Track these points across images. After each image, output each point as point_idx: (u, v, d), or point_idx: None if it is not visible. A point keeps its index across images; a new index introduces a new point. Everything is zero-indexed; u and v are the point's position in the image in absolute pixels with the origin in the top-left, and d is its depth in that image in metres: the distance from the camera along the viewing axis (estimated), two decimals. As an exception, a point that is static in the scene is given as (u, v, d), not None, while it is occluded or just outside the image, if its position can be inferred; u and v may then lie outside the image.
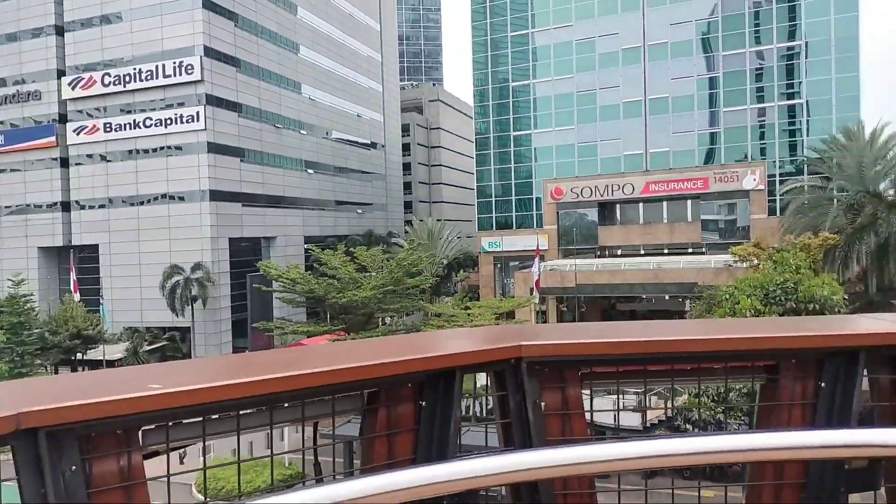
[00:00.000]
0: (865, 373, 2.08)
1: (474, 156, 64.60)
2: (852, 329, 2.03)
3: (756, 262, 30.82)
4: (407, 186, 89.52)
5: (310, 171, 67.23)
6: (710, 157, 55.64)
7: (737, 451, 1.78)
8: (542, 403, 2.03)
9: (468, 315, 33.67)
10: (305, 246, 55.09)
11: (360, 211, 75.53)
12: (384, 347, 2.15)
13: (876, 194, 34.42)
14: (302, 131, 66.33)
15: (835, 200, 37.37)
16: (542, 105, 60.66)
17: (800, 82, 53.16)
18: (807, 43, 52.51)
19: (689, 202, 50.09)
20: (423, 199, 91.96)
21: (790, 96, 53.62)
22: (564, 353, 2.00)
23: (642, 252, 49.91)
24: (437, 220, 67.81)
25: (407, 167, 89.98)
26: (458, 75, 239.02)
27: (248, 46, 58.93)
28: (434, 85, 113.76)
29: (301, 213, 65.08)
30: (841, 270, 31.20)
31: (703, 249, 47.69)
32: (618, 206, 53.22)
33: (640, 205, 52.30)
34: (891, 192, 34.84)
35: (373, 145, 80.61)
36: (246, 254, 55.71)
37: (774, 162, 52.36)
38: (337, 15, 73.66)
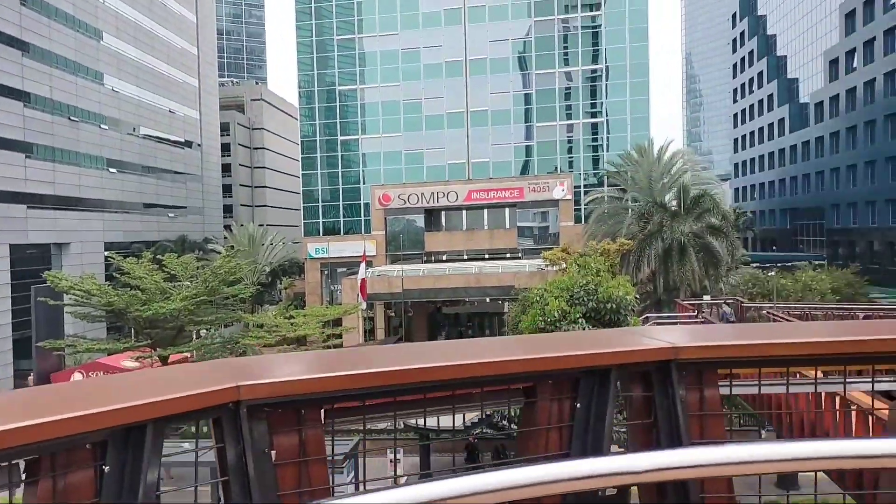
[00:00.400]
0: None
1: (300, 159, 62.88)
2: (603, 347, 1.97)
3: (564, 265, 33.29)
4: (227, 189, 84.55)
5: (112, 170, 60.82)
6: (525, 168, 59.47)
7: (486, 493, 1.60)
8: (273, 452, 1.70)
9: (292, 324, 32.42)
10: (106, 253, 49.58)
11: (172, 214, 69.85)
12: (56, 398, 1.68)
13: (662, 205, 38.90)
14: (103, 126, 59.86)
15: (629, 210, 41.72)
16: (370, 111, 60.73)
17: (601, 102, 58.77)
18: (607, 67, 58.23)
19: (506, 210, 52.98)
20: (244, 203, 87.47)
21: (593, 115, 59.07)
22: (297, 391, 1.69)
23: (466, 257, 51.79)
24: (260, 225, 64.86)
25: (227, 168, 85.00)
26: (284, 75, 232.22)
27: (37, 29, 51.89)
28: (257, 83, 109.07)
29: (101, 217, 58.60)
30: (634, 272, 34.74)
31: (520, 254, 50.68)
32: (443, 212, 54.78)
33: (464, 212, 54.31)
34: (674, 203, 39.57)
35: (188, 144, 75.10)
36: (32, 262, 48.82)
37: (580, 174, 57.30)
38: (146, 2, 67.69)
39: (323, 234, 57.83)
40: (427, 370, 1.81)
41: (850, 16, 56.14)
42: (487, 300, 45.64)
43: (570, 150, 59.47)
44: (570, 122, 59.11)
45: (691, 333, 2.33)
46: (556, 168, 58.17)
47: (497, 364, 1.89)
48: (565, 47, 59.05)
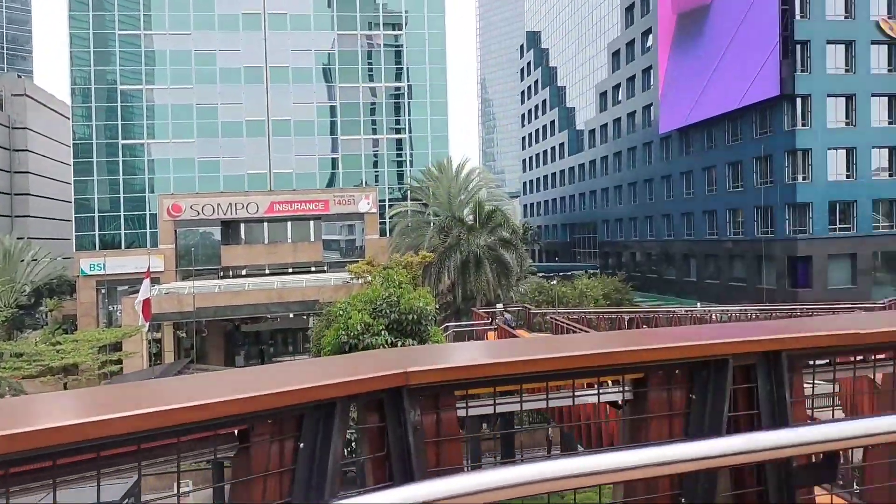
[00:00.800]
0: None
1: (72, 164, 55.71)
2: (329, 378, 1.77)
3: (369, 278, 33.35)
4: (-23, 196, 72.18)
5: None
6: (331, 181, 58.86)
7: None
8: None
9: (58, 352, 28.37)
10: None
11: None
12: None
13: (460, 219, 40.88)
14: None
15: (431, 224, 43.19)
16: (158, 114, 55.86)
17: (405, 119, 60.34)
18: (409, 86, 59.99)
19: (311, 223, 51.91)
20: (1, 213, 75.25)
21: (398, 131, 60.41)
22: None
23: (267, 272, 49.71)
24: (19, 238, 56.15)
25: (-22, 173, 72.61)
26: (54, 69, 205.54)
27: None
28: (20, 77, 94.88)
29: None
30: (435, 283, 35.99)
31: (325, 268, 49.90)
32: (242, 225, 52.07)
33: (265, 224, 52.14)
34: (471, 217, 41.76)
35: (-77, 142, 62.93)
36: None
37: (385, 188, 58.15)
38: None
39: (100, 248, 51.67)
40: (103, 423, 1.45)
41: (615, 55, 64.19)
42: (291, 316, 44.17)
43: (375, 165, 60.09)
44: (375, 136, 59.80)
45: (425, 356, 2.24)
46: (362, 181, 58.40)
47: (200, 408, 1.57)
48: (370, 63, 59.72)
